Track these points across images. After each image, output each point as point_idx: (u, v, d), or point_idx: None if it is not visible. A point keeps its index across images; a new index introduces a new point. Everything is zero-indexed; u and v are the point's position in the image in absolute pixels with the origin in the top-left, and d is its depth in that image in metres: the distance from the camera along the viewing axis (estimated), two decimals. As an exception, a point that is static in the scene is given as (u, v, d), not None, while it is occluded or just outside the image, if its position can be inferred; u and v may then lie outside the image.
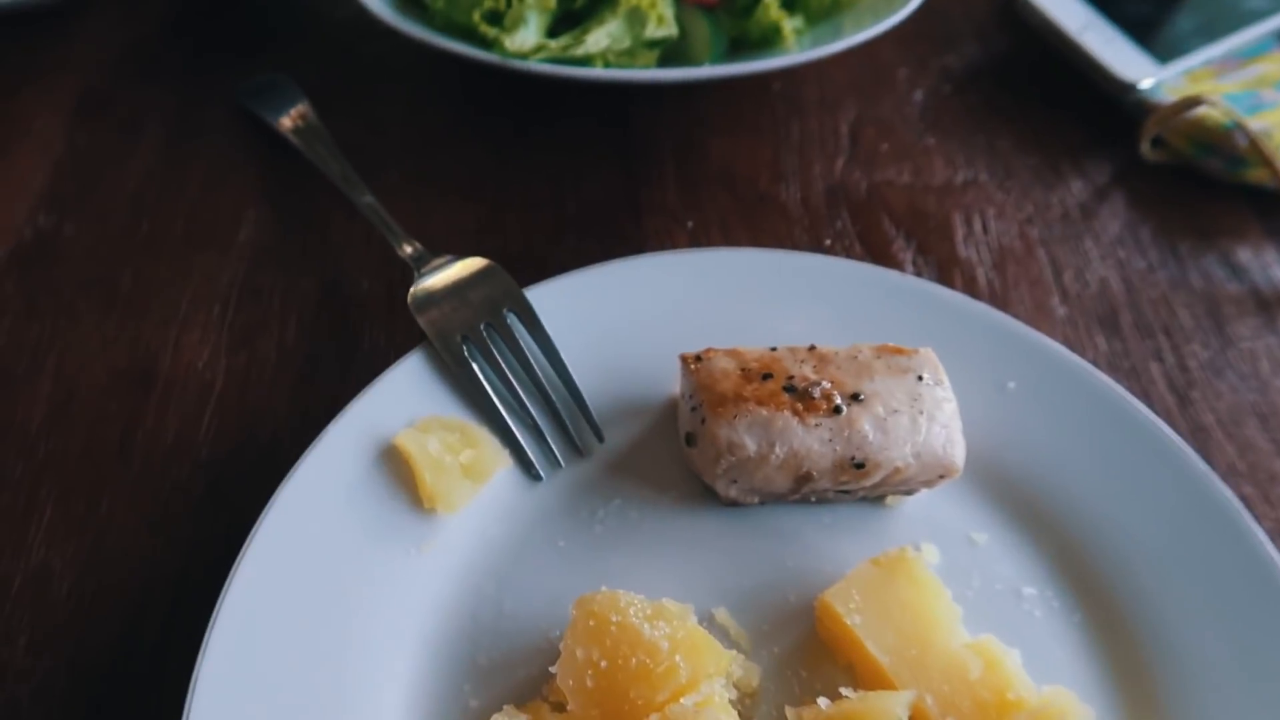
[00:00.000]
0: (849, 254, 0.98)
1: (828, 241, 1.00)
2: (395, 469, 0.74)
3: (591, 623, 0.63)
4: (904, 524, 0.77)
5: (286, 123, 1.04)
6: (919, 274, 0.96)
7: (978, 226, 1.02)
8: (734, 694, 0.66)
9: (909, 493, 0.77)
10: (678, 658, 0.62)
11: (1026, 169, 1.08)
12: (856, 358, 0.77)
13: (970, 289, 0.96)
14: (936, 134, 1.11)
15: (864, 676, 0.67)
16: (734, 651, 0.67)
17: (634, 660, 0.61)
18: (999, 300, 0.96)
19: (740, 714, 0.65)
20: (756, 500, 0.77)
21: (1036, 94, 1.15)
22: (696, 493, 0.77)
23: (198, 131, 1.07)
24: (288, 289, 0.94)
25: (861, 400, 0.74)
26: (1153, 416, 0.78)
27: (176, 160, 1.04)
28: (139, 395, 0.85)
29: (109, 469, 0.81)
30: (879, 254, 0.99)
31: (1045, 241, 1.01)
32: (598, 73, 0.97)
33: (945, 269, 0.98)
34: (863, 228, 1.01)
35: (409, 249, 0.90)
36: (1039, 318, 0.96)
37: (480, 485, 0.75)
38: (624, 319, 0.84)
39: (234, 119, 1.10)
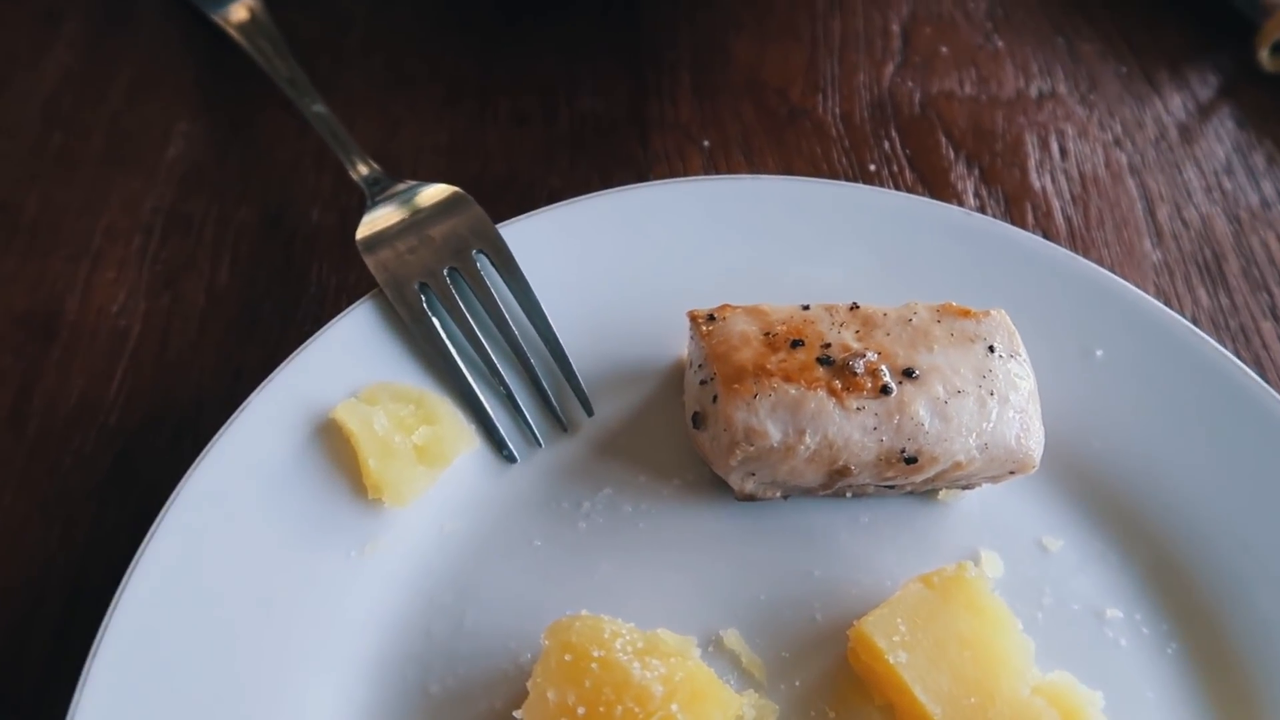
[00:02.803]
0: (898, 182, 0.88)
1: (872, 166, 0.88)
2: (333, 450, 0.64)
3: (567, 658, 0.55)
4: (960, 525, 0.66)
5: (229, 14, 0.89)
6: (982, 209, 0.86)
7: (1055, 150, 0.90)
8: (744, 740, 0.57)
9: (968, 486, 0.65)
10: (674, 706, 0.53)
11: (1115, 79, 0.96)
12: (911, 321, 0.62)
13: (1044, 228, 0.85)
14: (1006, 35, 0.98)
15: (907, 723, 0.57)
16: (748, 691, 0.59)
17: (619, 708, 0.53)
18: (1079, 243, 0.84)
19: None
20: (778, 495, 0.64)
21: (1129, -13, 1.02)
22: (705, 482, 0.67)
23: (126, 23, 0.96)
24: (222, 219, 0.83)
25: (916, 378, 0.59)
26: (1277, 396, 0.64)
27: (100, 59, 0.93)
28: (39, 346, 0.76)
29: (-2, 438, 0.69)
30: (934, 183, 0.88)
31: (1136, 169, 0.89)
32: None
33: (1015, 202, 0.87)
34: (915, 150, 0.90)
35: (364, 169, 0.76)
36: (1126, 264, 0.84)
37: (438, 471, 0.65)
38: (621, 264, 0.72)
39: (169, 8, 0.96)
